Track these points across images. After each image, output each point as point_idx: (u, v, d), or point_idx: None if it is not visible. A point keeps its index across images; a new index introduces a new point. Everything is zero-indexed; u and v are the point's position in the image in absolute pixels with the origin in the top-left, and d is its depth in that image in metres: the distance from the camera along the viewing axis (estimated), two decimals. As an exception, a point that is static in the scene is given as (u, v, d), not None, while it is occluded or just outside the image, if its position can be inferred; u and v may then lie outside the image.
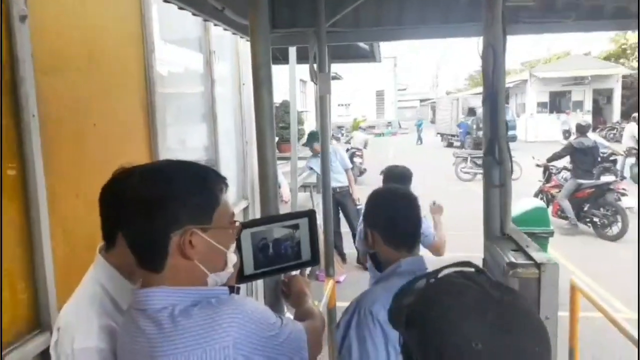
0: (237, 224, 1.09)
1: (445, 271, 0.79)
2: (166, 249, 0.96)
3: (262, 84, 1.63)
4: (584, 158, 7.79)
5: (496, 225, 1.60)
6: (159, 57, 2.69)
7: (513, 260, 1.35)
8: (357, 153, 13.67)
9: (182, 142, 3.21)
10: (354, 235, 6.14)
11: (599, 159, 10.05)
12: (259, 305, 1.03)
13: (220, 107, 3.69)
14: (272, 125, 1.65)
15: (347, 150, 12.22)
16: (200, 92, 3.50)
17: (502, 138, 1.55)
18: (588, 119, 18.88)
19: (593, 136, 10.24)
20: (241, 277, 1.26)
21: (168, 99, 2.94)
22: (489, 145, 1.56)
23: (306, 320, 1.25)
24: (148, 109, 2.61)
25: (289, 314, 1.51)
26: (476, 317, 0.68)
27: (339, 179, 6.08)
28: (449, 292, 0.73)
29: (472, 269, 0.78)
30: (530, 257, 1.34)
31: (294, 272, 1.50)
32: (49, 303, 1.79)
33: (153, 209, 0.95)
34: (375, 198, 1.64)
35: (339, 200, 6.05)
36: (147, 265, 0.99)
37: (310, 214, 1.45)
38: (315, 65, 3.05)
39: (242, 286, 1.30)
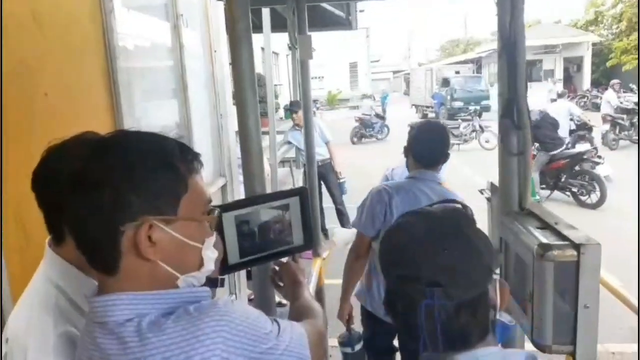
0: (216, 212, 0.85)
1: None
2: (117, 245, 0.75)
3: (240, 39, 1.39)
4: (547, 131, 7.78)
5: (514, 198, 1.42)
6: (120, 18, 2.38)
7: (544, 240, 1.16)
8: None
9: (149, 111, 2.91)
10: (337, 210, 5.99)
11: (573, 127, 10.12)
12: (250, 311, 0.81)
13: (192, 77, 3.38)
14: (254, 90, 1.42)
15: None
16: (167, 58, 3.19)
17: (522, 98, 1.34)
18: (559, 87, 19.05)
19: (566, 104, 10.29)
20: (225, 267, 1.09)
21: (132, 67, 2.63)
22: (507, 106, 1.36)
23: (305, 318, 1.05)
24: (110, 77, 2.31)
25: (281, 310, 1.31)
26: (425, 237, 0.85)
27: (319, 152, 5.88)
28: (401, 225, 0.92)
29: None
30: (564, 237, 1.16)
31: (284, 259, 1.31)
32: (2, 304, 1.54)
33: (98, 194, 0.73)
34: (411, 128, 2.28)
35: (321, 174, 5.86)
36: (98, 266, 0.77)
37: (301, 192, 1.26)
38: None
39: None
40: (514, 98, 1.33)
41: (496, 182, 1.95)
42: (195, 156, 0.82)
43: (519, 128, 1.36)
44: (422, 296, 0.81)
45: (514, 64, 1.31)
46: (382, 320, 2.40)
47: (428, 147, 2.16)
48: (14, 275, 1.57)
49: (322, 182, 5.98)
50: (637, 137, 11.19)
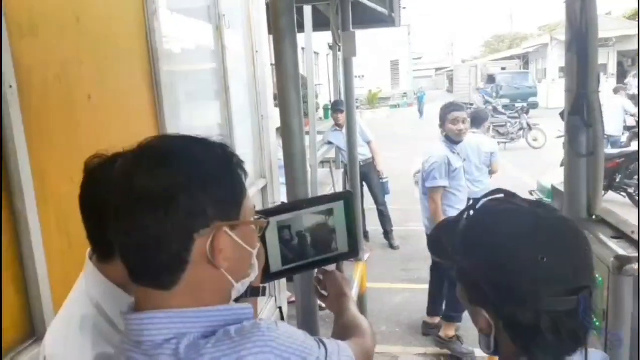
0: (262, 218, 0.82)
1: (481, 202, 0.84)
2: (187, 255, 0.69)
3: (284, 35, 1.32)
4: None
5: (582, 204, 1.28)
6: (162, 19, 2.36)
7: (621, 251, 1.03)
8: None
9: (191, 112, 2.90)
10: (379, 212, 5.86)
11: (626, 125, 9.56)
12: (295, 335, 0.74)
13: (233, 78, 3.36)
14: (297, 87, 1.35)
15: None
16: (209, 60, 3.18)
17: (593, 93, 1.21)
18: (612, 82, 18.14)
19: (620, 100, 9.74)
20: (267, 275, 1.04)
21: (174, 69, 2.62)
22: (576, 102, 1.22)
23: (352, 336, 0.97)
24: (152, 80, 2.30)
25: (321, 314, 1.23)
26: (533, 235, 0.75)
27: (361, 152, 5.78)
28: (500, 218, 0.79)
29: (502, 195, 0.85)
30: (644, 248, 1.02)
31: (329, 267, 1.24)
32: (43, 308, 1.53)
33: (168, 202, 0.67)
34: None
35: (363, 174, 5.77)
36: (152, 281, 0.70)
37: (346, 197, 1.19)
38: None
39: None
40: (584, 93, 1.20)
41: (553, 183, 1.79)
42: (243, 162, 0.79)
43: (589, 126, 1.22)
44: (577, 303, 0.74)
45: (584, 56, 1.18)
46: None
47: None
48: (55, 278, 1.56)
49: (363, 183, 5.89)
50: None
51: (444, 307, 3.66)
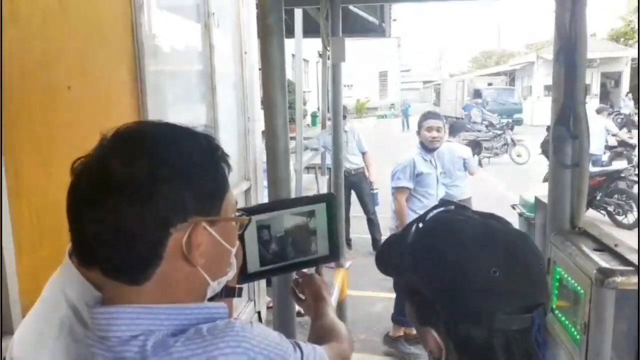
0: (244, 214, 0.80)
1: (430, 214, 0.80)
2: (162, 249, 0.65)
3: (271, 33, 1.30)
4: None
5: (565, 216, 1.27)
6: (149, 13, 2.32)
7: (604, 264, 1.02)
8: None
9: (176, 109, 2.85)
10: (369, 220, 5.84)
11: (608, 144, 9.73)
12: (270, 336, 0.70)
13: (220, 78, 3.32)
14: (283, 87, 1.32)
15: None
16: (196, 58, 3.13)
17: (579, 105, 1.20)
18: (595, 103, 18.48)
19: (602, 120, 9.91)
20: (244, 276, 1.01)
21: (160, 65, 2.58)
22: (562, 112, 1.22)
23: (328, 340, 0.94)
24: (137, 75, 2.25)
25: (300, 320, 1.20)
26: (486, 248, 0.70)
27: (353, 161, 5.81)
28: (451, 229, 0.74)
29: (453, 207, 0.80)
30: (627, 261, 1.01)
31: (307, 270, 1.21)
32: (9, 303, 1.47)
33: (145, 192, 0.63)
34: None
35: (353, 183, 5.77)
36: (123, 275, 0.66)
37: (329, 199, 1.17)
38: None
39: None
40: (570, 104, 1.19)
41: (537, 195, 1.79)
42: (227, 155, 0.75)
43: (575, 137, 1.22)
44: (531, 320, 0.71)
45: (572, 66, 1.18)
46: None
47: None
48: (24, 272, 1.50)
49: (352, 191, 5.84)
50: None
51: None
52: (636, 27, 26.07)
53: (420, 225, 0.78)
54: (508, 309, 0.68)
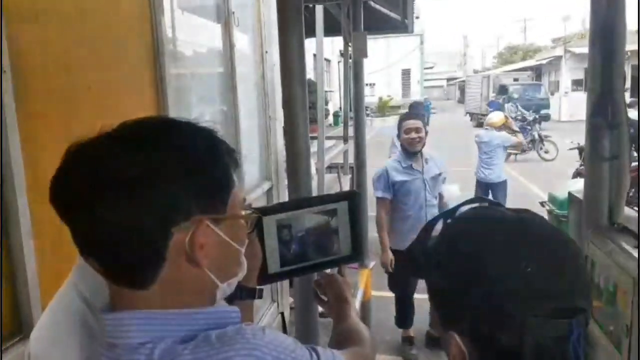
0: (253, 212, 0.75)
1: (461, 210, 0.75)
2: (164, 250, 0.61)
3: (290, 26, 1.26)
4: None
5: (604, 211, 1.19)
6: (169, 12, 2.32)
7: (651, 263, 0.94)
8: None
9: (196, 109, 2.84)
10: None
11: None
12: (284, 343, 0.65)
13: (241, 77, 3.31)
14: (303, 82, 1.28)
15: None
16: (216, 57, 3.12)
17: (618, 93, 1.12)
18: (626, 97, 17.93)
19: (635, 114, 9.58)
20: (265, 276, 0.96)
21: (180, 65, 2.57)
22: (599, 102, 1.14)
23: (350, 344, 0.89)
24: (157, 74, 2.25)
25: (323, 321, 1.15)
26: (519, 242, 0.64)
27: None
28: (481, 222, 0.70)
29: (486, 204, 0.76)
30: (675, 260, 0.93)
31: (329, 270, 1.16)
32: (31, 305, 1.47)
33: (144, 190, 0.59)
34: None
35: None
36: (126, 279, 0.62)
37: (351, 197, 1.12)
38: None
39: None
40: (608, 92, 1.12)
41: (570, 190, 1.71)
42: (234, 150, 0.71)
43: (613, 127, 1.14)
44: (569, 328, 0.61)
45: (609, 52, 1.10)
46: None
47: None
48: (45, 273, 1.50)
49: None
50: None
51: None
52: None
53: (449, 221, 0.73)
54: (540, 312, 0.60)
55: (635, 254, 1.01)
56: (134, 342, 0.61)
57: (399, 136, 3.46)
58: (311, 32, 5.50)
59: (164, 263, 0.62)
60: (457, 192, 3.82)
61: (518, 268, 0.61)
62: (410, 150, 3.38)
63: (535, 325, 0.59)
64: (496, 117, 6.82)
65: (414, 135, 3.32)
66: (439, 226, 0.76)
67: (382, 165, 3.50)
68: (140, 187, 0.59)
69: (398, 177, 3.41)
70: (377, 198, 3.47)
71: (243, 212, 0.73)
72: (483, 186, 6.22)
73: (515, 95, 21.10)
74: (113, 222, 0.59)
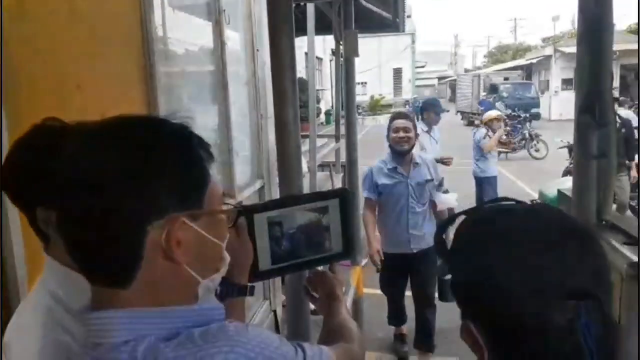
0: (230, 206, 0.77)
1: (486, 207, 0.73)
2: (140, 249, 0.61)
3: (280, 21, 1.26)
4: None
5: (591, 208, 1.20)
6: (159, 10, 2.30)
7: (635, 258, 0.96)
8: None
9: (189, 107, 2.83)
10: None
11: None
12: (268, 339, 0.65)
13: (232, 75, 3.30)
14: (293, 77, 1.28)
15: None
16: (207, 55, 3.11)
17: (606, 91, 1.13)
18: (615, 94, 18.12)
19: (625, 112, 9.68)
20: (255, 273, 0.97)
21: (170, 63, 2.56)
22: (586, 99, 1.15)
23: (338, 340, 0.90)
24: (147, 72, 2.23)
25: (314, 318, 1.16)
26: (543, 230, 0.64)
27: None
28: (504, 212, 0.69)
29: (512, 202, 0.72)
30: (660, 255, 0.95)
31: (321, 268, 1.17)
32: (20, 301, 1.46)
33: (115, 189, 0.59)
34: None
35: None
36: (106, 279, 0.63)
37: (342, 194, 1.12)
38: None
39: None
40: (596, 90, 1.13)
41: (560, 188, 1.72)
42: (209, 145, 0.70)
43: (601, 126, 1.15)
44: (576, 311, 0.59)
45: (597, 50, 1.11)
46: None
47: None
48: (34, 277, 1.48)
49: None
50: None
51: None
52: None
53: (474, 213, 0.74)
54: (541, 291, 0.59)
55: (623, 250, 1.03)
56: (117, 341, 0.61)
57: (388, 136, 3.41)
58: (302, 31, 5.51)
59: (141, 262, 0.62)
60: (454, 202, 3.66)
61: (520, 249, 0.62)
62: (397, 149, 3.30)
63: (536, 306, 0.59)
64: (489, 114, 7.11)
65: (401, 134, 3.26)
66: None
67: (367, 168, 3.51)
68: (111, 186, 0.59)
69: (381, 180, 3.36)
70: (364, 198, 3.49)
71: (223, 207, 0.73)
72: (476, 180, 6.50)
73: (505, 94, 21.25)
74: (87, 223, 0.59)
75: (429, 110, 5.67)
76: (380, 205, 3.45)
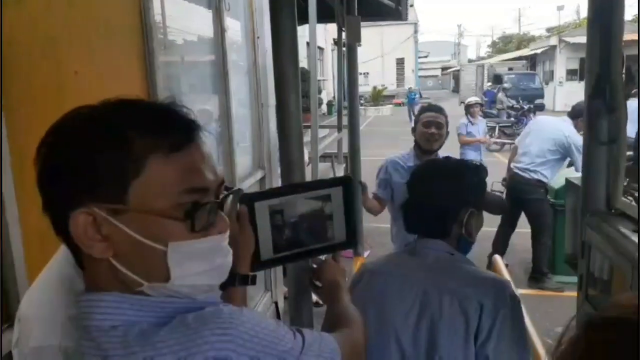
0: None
1: None
2: (67, 238, 0.62)
3: (283, 9, 1.22)
4: None
5: (601, 196, 1.17)
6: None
7: (651, 248, 0.92)
8: None
9: (187, 95, 2.80)
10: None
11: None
12: (263, 323, 0.63)
13: (232, 64, 3.26)
14: (295, 61, 1.25)
15: None
16: (207, 43, 3.07)
17: (616, 75, 1.10)
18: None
19: (629, 103, 9.61)
20: (257, 262, 0.95)
21: (169, 51, 2.52)
22: (597, 84, 1.12)
23: (341, 327, 0.88)
24: (146, 60, 2.20)
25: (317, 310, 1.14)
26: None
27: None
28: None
29: None
30: (674, 245, 0.92)
31: (324, 257, 1.14)
32: (18, 293, 1.44)
33: (43, 178, 0.63)
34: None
35: None
36: (74, 258, 0.68)
37: (346, 182, 1.09)
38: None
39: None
40: (606, 74, 1.09)
41: (567, 176, 1.68)
42: (173, 127, 0.62)
43: (611, 110, 1.11)
44: None
45: (607, 33, 1.07)
46: None
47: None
48: (32, 260, 1.47)
49: None
50: None
51: None
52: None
53: None
54: None
55: (635, 239, 1.00)
56: (105, 325, 0.60)
57: (414, 129, 2.86)
58: (304, 19, 5.45)
59: (76, 249, 0.63)
60: None
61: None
62: (425, 148, 2.77)
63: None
64: (468, 100, 7.22)
65: (433, 130, 2.72)
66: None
67: (384, 160, 2.99)
68: (41, 177, 0.62)
69: (396, 178, 2.81)
70: (372, 193, 2.97)
71: (178, 205, 0.61)
72: None
73: (509, 85, 21.11)
74: (43, 201, 0.64)
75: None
76: (392, 208, 2.93)
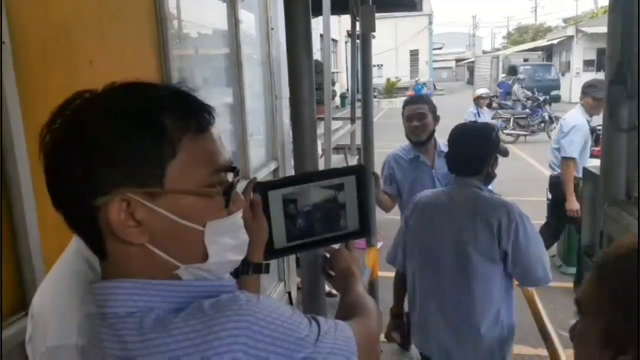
0: (236, 184, 0.67)
1: None
2: (96, 226, 0.60)
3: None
4: None
5: (620, 185, 1.15)
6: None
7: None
8: None
9: (202, 86, 2.80)
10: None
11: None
12: (280, 310, 0.63)
13: (246, 55, 3.25)
14: (309, 48, 1.24)
15: None
16: (222, 33, 3.07)
17: (638, 60, 1.07)
18: None
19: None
20: (270, 251, 0.95)
21: (184, 41, 2.53)
22: (618, 70, 1.09)
23: (355, 316, 0.87)
24: (160, 49, 2.21)
25: (330, 300, 1.13)
26: None
27: None
28: None
29: None
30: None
31: (336, 245, 1.13)
32: (35, 281, 1.46)
33: (66, 164, 0.59)
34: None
35: None
36: (91, 249, 0.65)
37: (359, 171, 1.08)
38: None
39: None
40: (627, 60, 1.06)
41: (585, 165, 1.66)
42: (196, 109, 0.63)
43: (632, 97, 1.09)
44: None
45: (629, 18, 1.04)
46: None
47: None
48: (49, 249, 1.49)
49: None
50: None
51: None
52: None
53: None
54: None
55: (654, 227, 0.98)
56: (121, 311, 0.60)
57: (404, 124, 2.84)
58: (318, 11, 5.42)
59: (102, 237, 0.61)
60: None
61: None
62: (415, 140, 2.77)
63: None
64: (476, 92, 7.54)
65: (415, 123, 2.72)
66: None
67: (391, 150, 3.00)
68: (61, 159, 0.59)
69: (400, 172, 2.83)
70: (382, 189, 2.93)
71: (209, 186, 0.63)
72: None
73: (524, 76, 20.83)
74: (53, 191, 0.61)
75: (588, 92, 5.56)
76: (400, 202, 2.89)
